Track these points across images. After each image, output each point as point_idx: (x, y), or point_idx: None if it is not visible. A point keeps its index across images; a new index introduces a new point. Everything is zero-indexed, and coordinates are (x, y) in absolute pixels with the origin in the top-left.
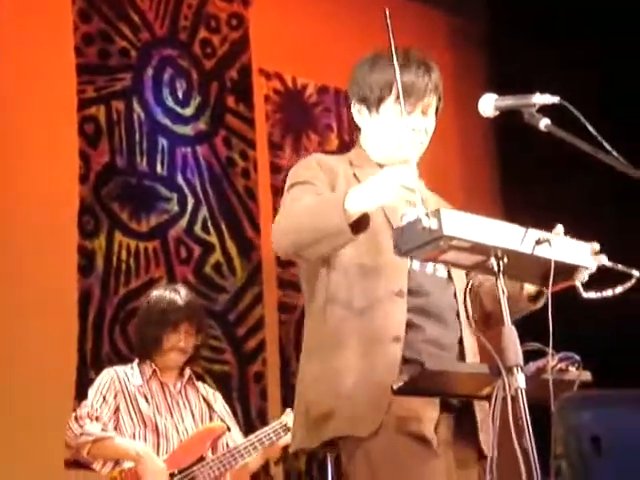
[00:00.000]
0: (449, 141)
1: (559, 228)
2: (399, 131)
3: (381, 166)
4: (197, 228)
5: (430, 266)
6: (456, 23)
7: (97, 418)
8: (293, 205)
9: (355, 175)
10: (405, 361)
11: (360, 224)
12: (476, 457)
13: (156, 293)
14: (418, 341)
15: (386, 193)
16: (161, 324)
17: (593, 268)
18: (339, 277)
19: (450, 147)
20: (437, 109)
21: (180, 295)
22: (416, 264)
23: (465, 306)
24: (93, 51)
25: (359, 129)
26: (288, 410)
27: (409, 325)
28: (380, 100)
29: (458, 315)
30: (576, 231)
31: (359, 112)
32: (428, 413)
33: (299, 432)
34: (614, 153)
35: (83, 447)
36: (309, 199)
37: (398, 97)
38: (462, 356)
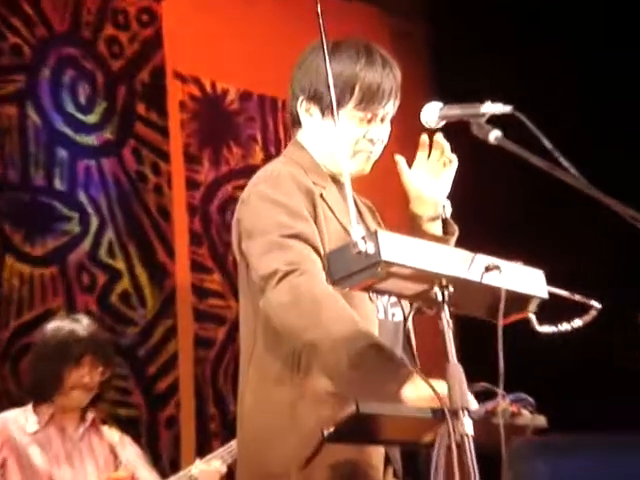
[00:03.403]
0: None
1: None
2: (357, 142)
3: (335, 181)
4: (102, 252)
5: (389, 312)
6: (399, 24)
7: None
8: (311, 293)
9: (323, 197)
10: None
11: None
12: None
13: (53, 324)
14: None
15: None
16: (61, 358)
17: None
18: None
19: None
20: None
21: (82, 324)
22: (381, 312)
23: (409, 343)
24: None
25: (299, 125)
26: (197, 462)
27: None
28: (338, 103)
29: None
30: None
31: (307, 111)
32: (374, 461)
33: None
34: (572, 170)
35: None
36: (335, 303)
37: (361, 102)
38: None
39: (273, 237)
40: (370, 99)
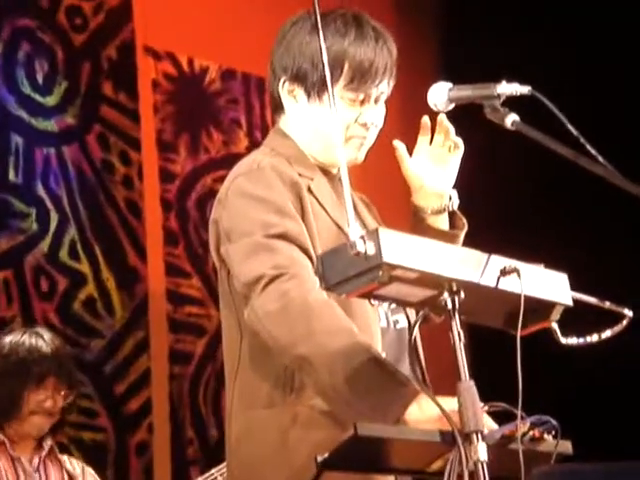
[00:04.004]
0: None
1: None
2: (349, 127)
3: (324, 172)
4: (63, 253)
5: (391, 319)
6: None
7: None
8: (306, 300)
9: (311, 190)
10: None
11: None
12: None
13: (11, 339)
14: None
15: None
16: (21, 378)
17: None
18: None
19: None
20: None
21: (44, 340)
22: (383, 319)
23: (412, 357)
24: None
25: (282, 110)
26: None
27: None
28: (326, 83)
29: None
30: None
31: (291, 93)
32: None
33: None
34: (600, 158)
35: None
36: (331, 311)
37: (351, 81)
38: None
39: (256, 238)
40: (362, 77)
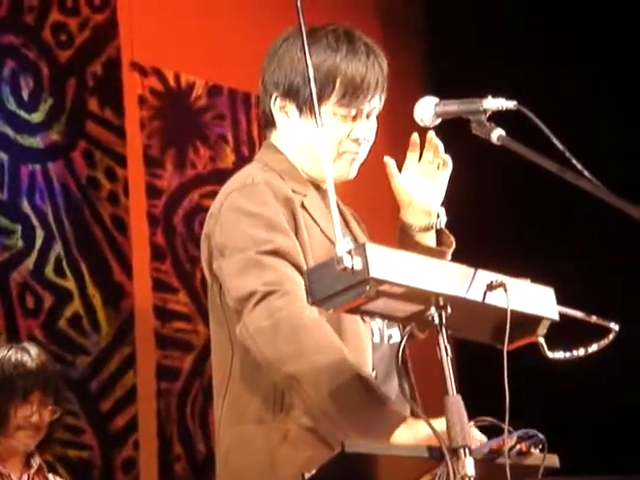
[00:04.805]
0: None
1: None
2: (341, 143)
3: (316, 188)
4: (48, 270)
5: (385, 334)
6: (390, 6)
7: None
8: (296, 317)
9: (304, 206)
10: None
11: None
12: None
13: None
14: None
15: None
16: (6, 394)
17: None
18: None
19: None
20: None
21: (30, 355)
22: (377, 335)
23: (400, 374)
24: None
25: (273, 125)
26: None
27: None
28: (319, 99)
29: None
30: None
31: (283, 109)
32: None
33: None
34: (586, 173)
35: None
36: (323, 332)
37: (343, 96)
38: None
39: (249, 254)
40: (354, 93)
